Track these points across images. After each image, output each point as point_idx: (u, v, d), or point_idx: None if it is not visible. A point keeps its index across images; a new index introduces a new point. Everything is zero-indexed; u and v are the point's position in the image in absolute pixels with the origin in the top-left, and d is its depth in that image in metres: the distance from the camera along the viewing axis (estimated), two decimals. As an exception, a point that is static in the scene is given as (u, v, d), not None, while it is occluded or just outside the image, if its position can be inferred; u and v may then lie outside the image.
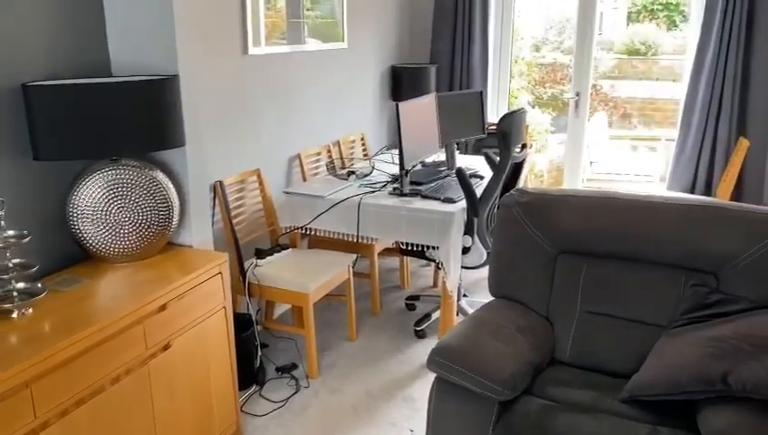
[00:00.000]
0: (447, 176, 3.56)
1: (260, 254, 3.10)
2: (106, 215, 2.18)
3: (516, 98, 6.35)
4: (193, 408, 2.27)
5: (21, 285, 1.94)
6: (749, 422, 1.70)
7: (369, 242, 3.42)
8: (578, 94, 4.78)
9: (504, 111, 5.00)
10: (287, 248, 3.21)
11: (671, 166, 4.52)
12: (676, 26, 9.83)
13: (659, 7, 9.89)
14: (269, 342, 3.27)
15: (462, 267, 3.14)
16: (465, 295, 3.69)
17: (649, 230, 2.23)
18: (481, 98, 3.74)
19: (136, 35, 2.32)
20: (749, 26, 4.04)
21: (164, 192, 2.29)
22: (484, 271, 3.79)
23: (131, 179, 2.22)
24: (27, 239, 1.92)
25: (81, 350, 1.78)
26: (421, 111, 3.37)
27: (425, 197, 3.18)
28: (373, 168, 3.65)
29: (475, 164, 3.84)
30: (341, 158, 4.00)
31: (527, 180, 4.09)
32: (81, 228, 2.18)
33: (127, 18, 2.31)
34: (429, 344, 3.29)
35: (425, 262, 4.29)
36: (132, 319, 1.95)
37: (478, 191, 3.10)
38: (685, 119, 4.36)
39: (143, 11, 2.28)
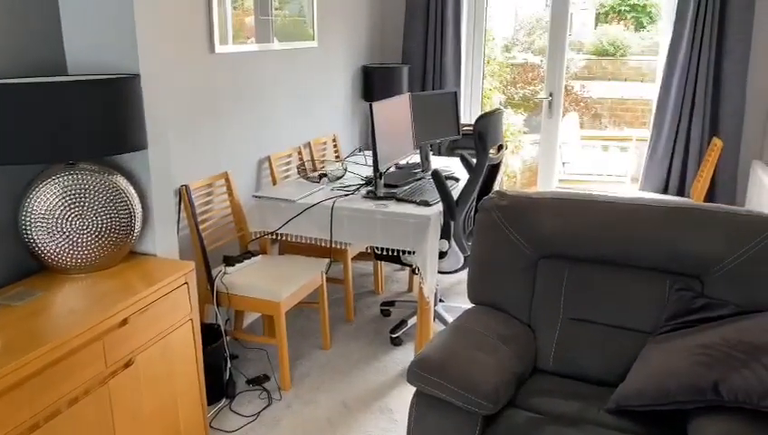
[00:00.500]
0: (422, 178, 3.47)
1: (228, 261, 2.97)
2: (62, 223, 2.04)
3: (489, 98, 6.31)
4: (158, 428, 2.14)
5: (-33, 300, 1.79)
6: (742, 433, 1.64)
7: (343, 247, 3.32)
8: (551, 95, 4.74)
9: (478, 111, 4.94)
10: (257, 255, 3.09)
11: (644, 166, 4.51)
12: (643, 27, 9.92)
13: (627, 8, 9.98)
14: (239, 352, 3.14)
15: (439, 272, 3.05)
16: (441, 300, 3.61)
17: (633, 234, 2.17)
18: (455, 98, 3.66)
19: (93, 32, 2.18)
20: (721, 26, 4.04)
21: (125, 198, 2.15)
22: (461, 275, 3.73)
23: (89, 185, 2.08)
24: (-26, 251, 1.78)
25: (35, 370, 1.64)
26: (395, 112, 3.27)
27: (400, 200, 3.09)
28: (346, 170, 3.54)
29: (450, 165, 3.76)
30: (313, 160, 3.89)
31: (501, 182, 4.02)
32: (36, 238, 2.03)
33: (83, 14, 2.17)
34: (406, 351, 3.20)
35: (400, 266, 4.21)
36: (91, 335, 1.82)
37: (454, 194, 3.01)
38: (657, 119, 4.35)
39: (101, 6, 2.14)
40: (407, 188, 3.28)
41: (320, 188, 3.32)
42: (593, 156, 6.53)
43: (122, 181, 2.16)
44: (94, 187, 2.08)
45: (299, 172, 3.61)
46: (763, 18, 3.99)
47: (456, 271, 3.15)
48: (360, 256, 3.71)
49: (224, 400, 2.80)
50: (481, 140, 2.90)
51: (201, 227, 2.95)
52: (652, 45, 9.45)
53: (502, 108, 3.10)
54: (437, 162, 3.87)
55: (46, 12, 2.16)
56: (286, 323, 2.89)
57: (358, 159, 3.99)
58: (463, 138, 3.90)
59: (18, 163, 1.90)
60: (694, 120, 4.20)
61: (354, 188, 3.29)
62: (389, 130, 3.18)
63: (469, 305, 3.65)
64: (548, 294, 2.26)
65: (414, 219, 2.90)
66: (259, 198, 3.18)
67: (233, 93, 3.26)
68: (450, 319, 3.34)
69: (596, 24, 9.82)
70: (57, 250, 2.05)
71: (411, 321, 3.35)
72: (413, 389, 2.42)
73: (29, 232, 2.03)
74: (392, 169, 3.56)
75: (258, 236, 3.21)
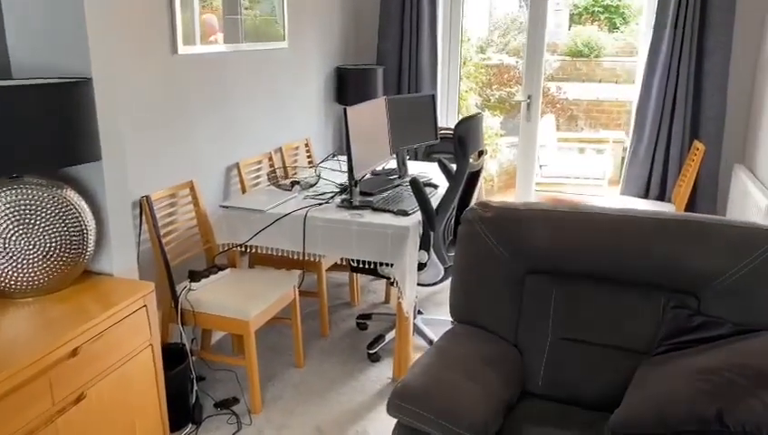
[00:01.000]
0: (399, 185, 3.32)
1: (194, 276, 2.78)
2: (6, 242, 1.84)
3: (465, 100, 6.19)
4: (115, 465, 1.95)
5: None
6: (750, 468, 1.52)
7: (317, 259, 3.15)
8: (529, 97, 4.62)
9: (455, 114, 4.81)
10: (225, 269, 2.90)
11: (625, 170, 4.42)
12: (616, 28, 9.91)
13: (600, 9, 9.96)
14: (206, 374, 2.95)
15: (418, 284, 2.90)
16: (420, 312, 3.46)
17: (625, 247, 2.04)
18: (433, 101, 3.52)
19: (39, 30, 1.98)
20: (701, 28, 3.96)
21: (76, 214, 1.96)
22: (439, 285, 3.58)
23: (36, 201, 1.88)
24: None
25: (-34, 415, 1.45)
26: (370, 116, 3.11)
27: (376, 209, 2.93)
28: (319, 177, 3.37)
29: (428, 171, 3.62)
30: (284, 166, 3.71)
31: (481, 188, 3.89)
32: (-26, 260, 1.83)
33: (28, 11, 1.97)
34: (383, 368, 3.04)
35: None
36: (36, 369, 1.63)
37: (433, 202, 2.87)
38: (638, 122, 4.26)
39: (48, 2, 1.95)
40: (383, 196, 3.12)
41: (292, 196, 3.15)
42: (570, 158, 6.45)
43: (73, 195, 1.97)
44: (41, 202, 1.89)
45: (270, 179, 3.43)
46: (743, 20, 3.92)
47: (435, 283, 3.00)
48: (335, 267, 3.54)
49: (190, 425, 2.62)
50: (461, 146, 2.76)
51: (164, 240, 2.76)
52: (626, 46, 9.44)
53: (482, 112, 2.96)
54: (414, 168, 3.72)
55: (-14, 9, 1.96)
56: (257, 339, 2.71)
57: (331, 165, 3.82)
58: (441, 142, 3.76)
59: (-49, 178, 1.70)
60: (675, 122, 4.11)
61: (328, 196, 3.12)
62: (365, 136, 3.03)
63: (448, 318, 3.53)
64: (536, 311, 2.13)
65: (392, 230, 2.74)
66: (227, 208, 3.00)
67: (198, 97, 3.07)
68: (430, 333, 3.19)
69: (570, 26, 9.79)
70: (0, 272, 1.86)
71: (389, 335, 3.19)
72: (393, 414, 2.27)
73: (-33, 253, 1.83)
74: (368, 176, 3.40)
75: (226, 248, 3.02)
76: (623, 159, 6.89)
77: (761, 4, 3.86)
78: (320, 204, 3.01)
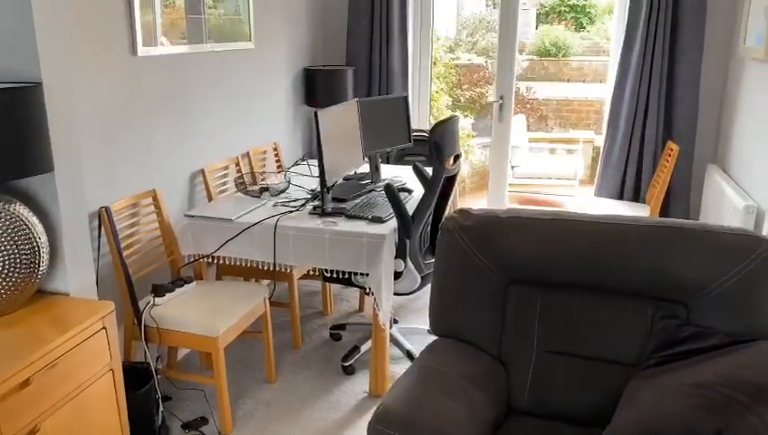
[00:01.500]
0: (373, 190, 3.21)
1: (158, 290, 2.63)
2: (-54, 264, 1.68)
3: (437, 101, 6.11)
4: (73, 502, 1.80)
5: None
6: (752, 489, 1.45)
7: (288, 270, 3.02)
8: (501, 98, 4.55)
9: (427, 115, 4.72)
10: (191, 282, 2.75)
11: (599, 171, 4.38)
12: (583, 28, 9.96)
13: (566, 9, 10.00)
14: (172, 393, 2.79)
15: (394, 294, 2.79)
16: (395, 321, 3.35)
17: (612, 256, 1.96)
18: (406, 103, 3.42)
19: (-18, 31, 1.82)
20: (674, 27, 3.93)
21: (26, 230, 1.80)
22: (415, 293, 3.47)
23: (-20, 217, 1.72)
24: None
25: None
26: (342, 119, 3.00)
27: (350, 216, 2.81)
28: (289, 182, 3.25)
29: (402, 175, 3.51)
30: (252, 172, 3.57)
31: (456, 192, 3.79)
32: None
33: (-31, 9, 1.81)
34: (359, 381, 2.93)
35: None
36: (-19, 404, 1.48)
37: (409, 208, 2.76)
38: (611, 122, 4.22)
39: (-9, 0, 1.79)
40: (356, 202, 3.01)
41: (261, 203, 3.01)
42: (541, 159, 6.42)
43: (23, 210, 1.82)
44: (-14, 218, 1.73)
45: (237, 186, 3.29)
46: (714, 18, 3.90)
47: (412, 292, 2.90)
48: (307, 275, 3.42)
49: (156, 449, 2.47)
50: (437, 151, 2.66)
51: (126, 252, 2.60)
52: (593, 46, 9.48)
53: (457, 115, 2.86)
54: (387, 171, 3.62)
55: None
56: (226, 353, 2.57)
57: (302, 170, 3.69)
58: (414, 145, 3.66)
59: None
60: (648, 123, 4.08)
61: (300, 203, 3.00)
62: (337, 140, 2.91)
63: (424, 326, 3.43)
64: (520, 323, 2.04)
65: (367, 238, 2.63)
66: (192, 217, 2.85)
67: (160, 100, 2.91)
68: (406, 343, 3.09)
69: (537, 25, 9.80)
70: (-60, 297, 1.69)
71: (365, 347, 3.08)
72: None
73: None
74: (339, 181, 3.28)
75: (191, 260, 2.88)
76: (593, 158, 6.90)
77: (731, 4, 3.85)
78: (290, 211, 2.88)
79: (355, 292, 3.85)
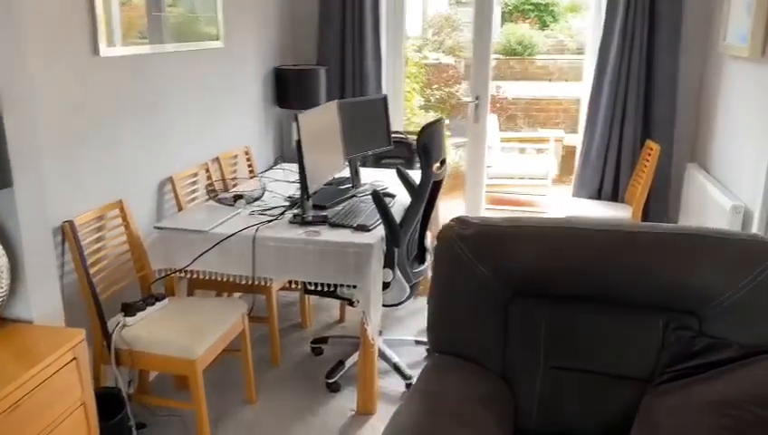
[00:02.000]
0: (354, 196, 3.06)
1: (128, 309, 2.43)
2: None
3: (410, 102, 5.98)
4: None
5: None
6: None
7: (267, 283, 2.85)
8: (477, 98, 4.46)
9: (401, 116, 4.59)
10: (163, 298, 2.56)
11: (576, 171, 4.32)
12: (547, 26, 9.98)
13: (530, 7, 10.00)
14: (146, 419, 2.59)
15: (382, 305, 2.65)
16: (380, 332, 3.21)
17: (621, 265, 1.86)
18: (385, 104, 3.28)
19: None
20: (651, 25, 3.89)
21: (-17, 253, 1.61)
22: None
23: (-71, 239, 1.52)
24: None
25: None
26: (323, 123, 2.84)
27: (333, 225, 2.67)
28: (264, 189, 3.07)
29: (382, 179, 3.37)
30: (223, 178, 3.38)
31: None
32: None
33: None
34: (345, 399, 2.78)
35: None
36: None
37: (393, 213, 2.62)
38: (589, 121, 4.16)
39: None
40: (338, 208, 2.86)
41: (235, 212, 2.84)
42: (514, 158, 6.36)
43: (-22, 230, 1.62)
44: (-64, 241, 1.53)
45: (209, 194, 3.11)
46: (691, 16, 3.87)
47: (400, 303, 2.77)
48: (286, 286, 3.25)
49: (130, 483, 2.28)
50: (425, 155, 2.53)
51: (92, 270, 2.40)
52: (557, 44, 9.50)
53: (443, 117, 2.74)
54: (366, 175, 3.47)
55: None
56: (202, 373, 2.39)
57: (275, 174, 3.52)
58: (393, 147, 3.52)
59: None
60: (626, 122, 4.04)
61: (278, 211, 2.83)
62: (317, 145, 2.75)
63: (411, 337, 3.31)
64: (525, 338, 1.92)
65: (354, 248, 2.49)
66: (162, 229, 2.66)
67: (125, 104, 2.71)
68: (394, 356, 2.95)
69: (502, 23, 9.78)
70: None
71: (350, 361, 2.93)
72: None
73: None
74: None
75: (163, 275, 2.68)
76: (564, 157, 6.88)
77: (707, 1, 3.83)
78: (269, 221, 2.71)
79: (335, 302, 3.69)
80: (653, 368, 1.82)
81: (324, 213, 2.78)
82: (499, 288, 1.94)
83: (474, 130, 4.51)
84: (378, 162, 3.90)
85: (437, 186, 2.83)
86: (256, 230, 2.60)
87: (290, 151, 4.35)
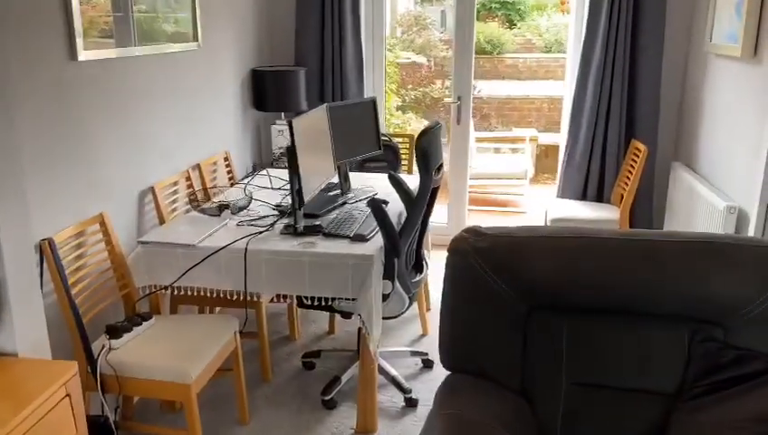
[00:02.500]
0: (345, 203, 2.94)
1: (113, 332, 2.27)
2: None
3: (388, 102, 5.87)
4: None
5: None
6: None
7: (257, 298, 2.72)
8: (459, 98, 4.38)
9: (383, 117, 4.47)
10: (149, 318, 2.41)
11: (560, 171, 4.28)
12: (514, 25, 9.99)
13: (497, 5, 9.99)
14: (135, 447, 2.44)
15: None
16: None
17: (643, 275, 1.79)
18: (374, 107, 3.16)
19: None
20: (634, 24, 3.86)
21: (-37, 282, 1.44)
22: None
23: None
24: None
25: None
26: (315, 128, 2.72)
27: (328, 235, 2.54)
28: (251, 198, 2.93)
29: (372, 185, 3.26)
30: (204, 187, 3.22)
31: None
32: None
33: None
34: (342, 416, 2.66)
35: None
36: None
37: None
38: (573, 121, 4.11)
39: None
40: (331, 217, 2.74)
41: (222, 223, 2.69)
42: (490, 159, 6.31)
43: (-44, 257, 1.45)
44: None
45: (191, 204, 2.95)
46: (674, 15, 3.86)
47: (398, 315, 2.66)
48: (272, 298, 3.11)
49: None
50: (425, 161, 2.43)
51: (74, 290, 2.23)
52: (525, 43, 9.51)
53: (441, 122, 2.64)
54: (354, 181, 3.34)
55: None
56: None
57: (259, 181, 3.37)
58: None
59: None
60: (611, 121, 4.01)
61: (268, 222, 2.69)
62: (310, 151, 2.63)
63: (405, 348, 3.20)
64: (545, 354, 1.84)
65: (353, 260, 2.37)
66: (146, 244, 2.50)
67: (102, 112, 2.54)
68: (392, 369, 2.85)
69: (470, 21, 9.73)
70: None
71: (346, 376, 2.81)
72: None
73: None
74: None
75: (148, 292, 2.53)
76: (538, 156, 6.86)
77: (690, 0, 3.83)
78: (260, 232, 2.58)
79: (324, 312, 3.56)
80: (680, 382, 1.75)
81: (317, 222, 2.66)
82: (517, 302, 1.86)
83: (456, 132, 4.43)
84: (361, 166, 3.78)
85: (434, 192, 2.73)
86: (248, 243, 2.46)
87: (268, 156, 4.20)
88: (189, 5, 3.19)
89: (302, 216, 2.63)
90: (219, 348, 2.34)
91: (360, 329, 2.72)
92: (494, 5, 9.83)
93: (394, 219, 2.58)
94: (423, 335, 3.33)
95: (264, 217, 2.77)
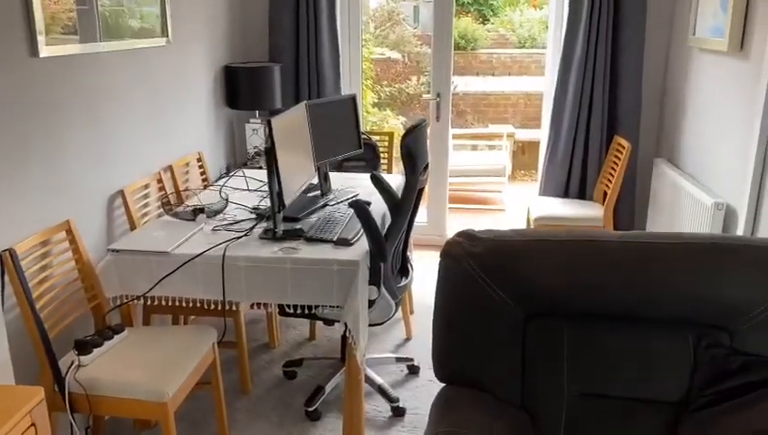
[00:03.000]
0: (326, 205, 2.83)
1: (82, 347, 2.12)
2: None
3: (365, 99, 5.76)
4: None
5: None
6: None
7: (235, 307, 2.59)
8: (438, 95, 4.28)
9: (360, 114, 4.35)
10: (121, 331, 2.26)
11: (542, 169, 4.21)
12: (487, 20, 9.94)
13: (470, 1, 9.93)
14: (108, 469, 2.29)
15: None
16: (357, 351, 2.99)
17: (645, 279, 1.71)
18: (354, 104, 3.05)
19: None
20: (616, 19, 3.80)
21: None
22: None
23: None
24: None
25: None
26: (294, 127, 2.59)
27: (310, 239, 2.42)
28: (227, 201, 2.79)
29: (353, 186, 3.14)
30: (177, 190, 3.07)
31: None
32: None
33: None
34: (327, 428, 2.55)
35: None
36: None
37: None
38: (555, 117, 4.05)
39: None
40: (312, 220, 2.63)
41: (197, 228, 2.55)
42: (465, 156, 6.23)
43: None
44: None
45: (163, 207, 2.80)
46: (654, 7, 3.82)
47: (384, 322, 2.55)
48: (253, 305, 2.98)
49: None
50: (410, 161, 2.33)
51: (38, 303, 2.08)
52: (498, 38, 9.47)
53: (426, 119, 2.54)
54: (334, 181, 3.22)
55: None
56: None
57: (235, 183, 3.22)
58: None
59: None
60: (593, 117, 3.95)
61: (246, 226, 2.56)
62: (290, 151, 2.50)
63: (389, 354, 3.10)
64: (545, 364, 1.75)
65: (338, 266, 2.26)
66: (117, 251, 2.35)
67: (66, 111, 2.38)
68: (378, 378, 2.74)
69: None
70: None
71: (330, 386, 2.70)
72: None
73: None
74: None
75: (119, 303, 2.38)
76: (514, 152, 6.81)
77: (672, -7, 3.79)
78: (237, 237, 2.45)
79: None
80: (686, 390, 1.68)
81: (298, 226, 2.53)
82: (514, 309, 1.76)
83: (435, 129, 4.34)
84: (340, 166, 3.66)
85: (420, 193, 2.63)
86: (225, 249, 2.32)
87: (242, 156, 4.06)
88: (157, 0, 3.03)
89: (282, 219, 2.51)
90: (197, 362, 2.20)
91: (343, 336, 2.61)
92: (466, 1, 9.77)
93: (377, 221, 2.46)
94: (407, 339, 3.23)
95: (242, 220, 2.64)
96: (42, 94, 2.24)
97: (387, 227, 2.41)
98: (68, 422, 2.03)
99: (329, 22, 3.99)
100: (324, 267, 2.26)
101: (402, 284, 2.63)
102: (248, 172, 3.39)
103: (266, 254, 2.31)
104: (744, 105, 2.84)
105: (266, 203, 2.80)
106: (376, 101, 6.36)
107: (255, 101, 3.79)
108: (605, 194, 3.84)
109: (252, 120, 3.89)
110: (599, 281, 1.73)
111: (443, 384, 1.85)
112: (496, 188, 5.87)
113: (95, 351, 2.14)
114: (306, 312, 2.39)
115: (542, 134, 4.39)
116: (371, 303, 2.41)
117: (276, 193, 2.38)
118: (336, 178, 3.27)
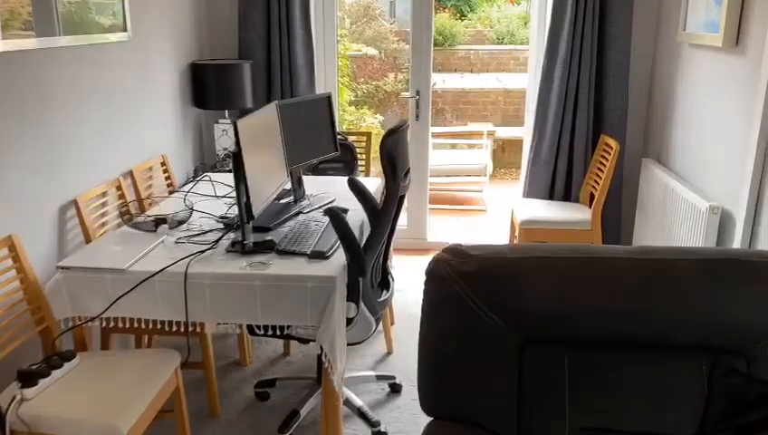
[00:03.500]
0: (300, 213, 2.62)
1: (26, 378, 1.89)
2: None
3: (342, 97, 5.54)
4: None
5: None
6: None
7: (199, 329, 2.38)
8: (418, 93, 4.10)
9: (336, 113, 4.15)
10: (72, 357, 2.04)
11: (526, 170, 4.05)
12: (465, 16, 9.78)
13: (444, -4, 9.76)
14: None
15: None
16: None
17: (653, 300, 1.55)
18: (329, 104, 2.84)
19: None
20: (602, 15, 3.65)
21: None
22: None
23: None
24: None
25: None
26: (263, 129, 2.38)
27: (282, 252, 2.22)
28: (192, 210, 2.57)
29: (327, 191, 2.94)
30: (139, 198, 2.84)
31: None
32: None
33: None
34: (304, 455, 2.35)
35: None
36: None
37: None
38: (539, 116, 3.88)
39: None
40: (284, 230, 2.42)
41: (159, 240, 2.33)
42: (444, 154, 6.06)
43: None
44: None
45: (122, 217, 2.57)
46: (641, 2, 3.67)
47: (364, 340, 2.36)
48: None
49: None
50: (390, 165, 2.14)
51: (-27, 331, 1.85)
52: (476, 35, 9.31)
53: (407, 120, 2.35)
54: (307, 185, 3.01)
55: None
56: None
57: (201, 188, 3.00)
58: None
59: None
60: (578, 116, 3.80)
61: (212, 238, 2.35)
62: (259, 156, 2.29)
63: (368, 372, 2.90)
64: (544, 396, 1.57)
65: (312, 282, 2.06)
66: (67, 269, 2.12)
67: (11, 112, 2.14)
68: (357, 400, 2.55)
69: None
70: None
71: (305, 409, 2.49)
72: None
73: None
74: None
75: (70, 326, 2.15)
76: (494, 151, 6.66)
77: (659, -12, 3.64)
78: (202, 251, 2.23)
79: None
80: (700, 424, 1.52)
81: (269, 237, 2.32)
82: (509, 335, 1.58)
83: (416, 128, 4.16)
84: (315, 169, 3.45)
85: (401, 200, 2.44)
86: (188, 265, 2.11)
87: (211, 158, 3.83)
88: (116, -10, 2.80)
89: (251, 230, 2.30)
90: (157, 390, 1.99)
91: (319, 356, 2.41)
92: (444, -3, 9.61)
93: (356, 230, 2.27)
94: (388, 354, 3.04)
95: (208, 231, 2.43)
96: (-21, 95, 2.01)
97: (366, 237, 2.22)
98: (10, 463, 1.80)
99: (302, 17, 3.78)
100: (297, 284, 2.06)
101: (383, 298, 2.44)
102: (217, 176, 3.16)
103: (233, 270, 2.10)
104: (741, 103, 2.69)
105: (235, 211, 2.59)
106: (353, 99, 6.15)
107: (224, 100, 3.58)
108: (592, 196, 3.69)
109: (221, 121, 3.67)
110: (602, 303, 1.56)
111: (430, 418, 1.67)
112: (477, 187, 5.71)
113: (41, 382, 1.91)
114: (278, 333, 2.19)
115: (524, 133, 4.23)
116: (349, 321, 2.21)
117: (244, 203, 2.17)
118: (311, 183, 3.06)
